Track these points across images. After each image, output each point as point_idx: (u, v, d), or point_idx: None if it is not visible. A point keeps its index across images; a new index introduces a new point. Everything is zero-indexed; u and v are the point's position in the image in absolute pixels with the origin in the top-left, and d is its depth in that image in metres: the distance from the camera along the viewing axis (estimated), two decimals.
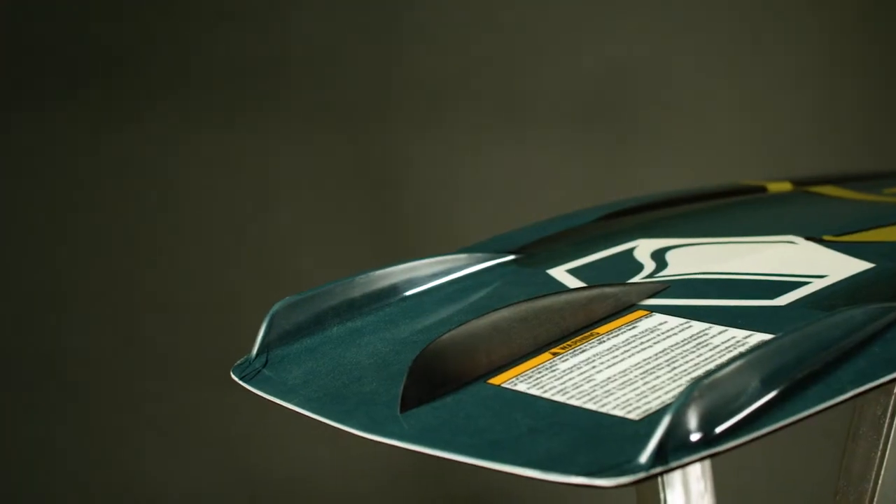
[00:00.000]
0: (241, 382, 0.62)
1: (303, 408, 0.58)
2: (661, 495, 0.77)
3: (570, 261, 0.72)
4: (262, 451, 1.45)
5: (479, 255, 0.72)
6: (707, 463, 0.80)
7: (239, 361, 0.64)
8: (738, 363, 0.51)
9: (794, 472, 1.40)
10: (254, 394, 0.61)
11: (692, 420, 0.49)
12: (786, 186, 0.91)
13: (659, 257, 0.72)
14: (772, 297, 0.63)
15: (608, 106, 1.46)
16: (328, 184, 1.47)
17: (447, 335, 0.58)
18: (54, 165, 1.45)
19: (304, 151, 1.46)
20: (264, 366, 0.63)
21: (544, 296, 0.62)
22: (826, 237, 0.72)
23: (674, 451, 0.49)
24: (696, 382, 0.49)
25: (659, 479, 0.78)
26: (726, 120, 1.44)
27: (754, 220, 0.80)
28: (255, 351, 0.64)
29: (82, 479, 1.46)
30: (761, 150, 1.44)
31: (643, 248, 0.74)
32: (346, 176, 1.47)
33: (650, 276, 0.69)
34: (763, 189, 0.90)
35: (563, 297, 0.62)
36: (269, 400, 0.60)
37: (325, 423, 0.57)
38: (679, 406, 0.49)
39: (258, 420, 1.42)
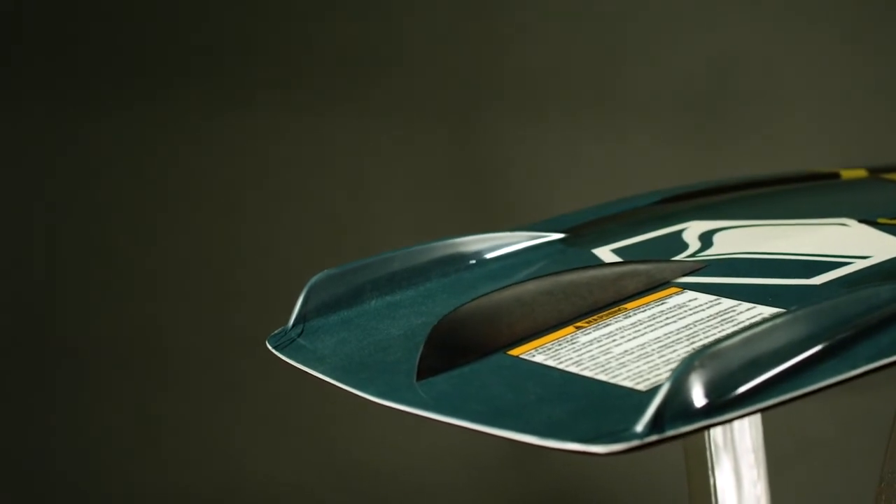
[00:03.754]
0: (273, 351, 0.63)
1: (326, 375, 0.59)
2: (711, 480, 0.77)
3: (617, 241, 0.72)
4: (349, 441, 1.47)
5: (525, 233, 0.72)
6: (761, 451, 0.79)
7: (275, 331, 0.65)
8: (744, 335, 0.50)
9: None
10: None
11: (692, 389, 0.49)
12: (860, 173, 0.89)
13: (706, 238, 0.71)
14: (809, 277, 0.62)
15: (706, 98, 1.44)
16: (425, 173, 1.48)
17: (468, 305, 0.59)
18: (158, 153, 1.49)
19: (402, 142, 1.48)
20: (299, 335, 0.64)
21: (571, 270, 0.62)
22: (881, 220, 0.71)
23: (671, 419, 0.48)
24: (698, 352, 0.49)
25: (709, 463, 0.77)
26: (826, 114, 1.42)
27: (813, 204, 0.79)
28: (291, 321, 0.65)
29: (182, 464, 1.49)
30: (861, 145, 1.41)
31: (693, 230, 0.73)
32: (443, 166, 1.48)
33: (693, 255, 0.68)
34: (836, 175, 0.88)
35: (591, 272, 0.62)
36: (298, 368, 0.61)
37: (345, 390, 0.58)
38: (678, 375, 0.49)
39: (345, 410, 1.44)
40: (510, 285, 0.60)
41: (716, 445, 0.76)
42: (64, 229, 1.51)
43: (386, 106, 1.48)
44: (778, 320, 0.51)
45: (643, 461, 1.36)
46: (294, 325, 0.65)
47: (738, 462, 0.76)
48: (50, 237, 1.51)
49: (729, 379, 0.49)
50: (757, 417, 0.78)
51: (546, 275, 0.61)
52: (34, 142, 1.50)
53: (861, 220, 0.71)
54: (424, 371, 0.56)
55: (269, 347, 0.63)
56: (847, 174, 0.89)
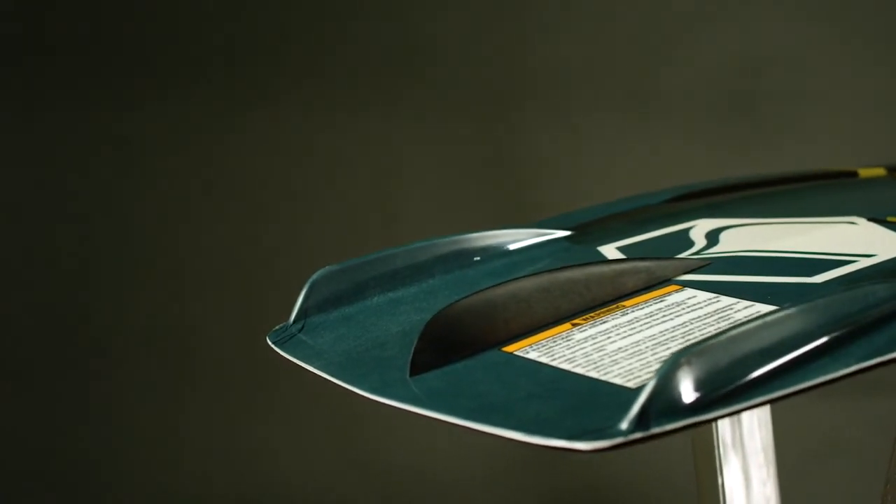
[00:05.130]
0: (273, 346, 0.63)
1: (322, 371, 0.59)
2: (719, 479, 0.77)
3: (623, 238, 0.72)
4: (377, 439, 1.47)
5: (531, 230, 0.72)
6: (770, 451, 0.78)
7: (276, 327, 0.65)
8: (731, 333, 0.50)
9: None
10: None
11: (678, 387, 0.48)
12: (879, 172, 0.88)
13: (713, 236, 0.71)
14: (810, 275, 0.62)
15: (736, 97, 1.43)
16: (453, 172, 1.48)
17: (463, 301, 0.59)
18: (187, 150, 1.50)
19: (431, 141, 1.48)
20: (300, 331, 0.64)
21: (570, 267, 0.61)
22: (890, 218, 0.70)
23: (657, 417, 0.48)
24: (685, 350, 0.49)
25: (717, 462, 0.77)
26: (856, 113, 1.41)
27: (825, 202, 0.78)
28: (292, 317, 0.65)
29: (202, 460, 1.50)
30: (892, 145, 1.39)
31: (700, 228, 0.73)
32: (472, 165, 1.48)
33: (697, 253, 0.68)
34: (854, 174, 0.87)
35: (588, 269, 0.61)
36: (294, 363, 0.61)
37: (339, 385, 0.58)
38: (664, 372, 0.48)
39: (373, 409, 1.44)
40: (507, 281, 0.60)
41: (724, 444, 0.76)
42: (92, 227, 1.52)
43: (415, 105, 1.48)
44: (768, 318, 0.51)
45: (666, 459, 1.36)
46: (295, 321, 0.65)
47: (746, 462, 0.76)
48: (78, 235, 1.52)
49: (716, 377, 0.49)
50: (767, 417, 0.77)
51: (544, 271, 0.61)
52: (62, 140, 1.51)
53: (870, 219, 0.70)
54: (418, 367, 0.56)
55: (269, 343, 0.64)
56: (865, 173, 0.88)
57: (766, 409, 0.76)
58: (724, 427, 0.75)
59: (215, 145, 1.51)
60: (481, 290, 0.59)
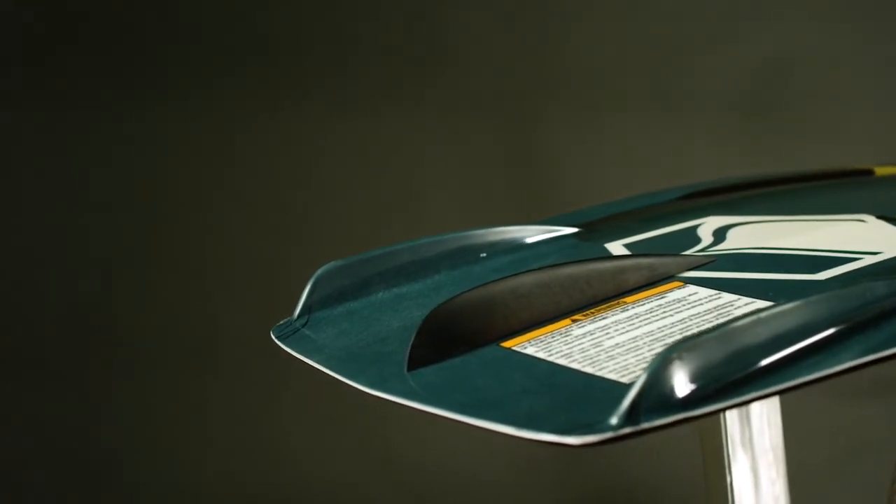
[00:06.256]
0: (276, 340, 0.64)
1: (322, 365, 0.60)
2: (728, 479, 0.76)
3: (631, 235, 0.72)
4: (398, 436, 1.47)
5: (538, 227, 0.72)
6: (780, 450, 0.78)
7: (280, 322, 0.65)
8: (724, 328, 0.49)
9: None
10: None
11: (669, 382, 0.48)
12: (894, 171, 0.88)
13: (720, 233, 0.71)
14: (814, 272, 0.61)
15: (761, 98, 1.43)
16: (476, 171, 1.48)
17: (462, 296, 0.59)
18: (210, 149, 1.51)
19: (454, 141, 1.48)
20: (304, 326, 0.65)
21: (572, 263, 0.61)
22: None
23: (647, 412, 0.48)
24: (676, 345, 0.49)
25: (725, 461, 0.77)
26: (880, 112, 1.40)
27: (835, 200, 0.78)
28: (296, 312, 0.66)
29: (224, 456, 1.51)
30: None
31: (709, 225, 0.72)
32: (492, 163, 1.48)
33: (703, 250, 0.67)
34: (870, 172, 0.87)
35: (590, 266, 0.61)
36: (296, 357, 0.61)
37: (338, 379, 0.58)
38: (655, 368, 0.48)
39: (394, 406, 1.44)
40: (507, 277, 0.60)
41: (733, 443, 0.75)
42: (116, 224, 1.53)
43: (435, 103, 1.48)
44: (763, 314, 0.51)
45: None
46: (299, 316, 0.65)
47: (755, 460, 0.75)
48: (103, 233, 1.53)
49: (708, 372, 0.49)
50: (776, 415, 0.77)
51: (545, 267, 0.61)
52: (83, 139, 1.52)
53: (879, 216, 0.70)
54: (416, 361, 0.56)
55: (273, 337, 0.64)
56: (882, 171, 0.87)
57: (776, 408, 0.76)
58: (732, 425, 0.75)
59: (231, 144, 1.51)
60: (481, 286, 0.59)
